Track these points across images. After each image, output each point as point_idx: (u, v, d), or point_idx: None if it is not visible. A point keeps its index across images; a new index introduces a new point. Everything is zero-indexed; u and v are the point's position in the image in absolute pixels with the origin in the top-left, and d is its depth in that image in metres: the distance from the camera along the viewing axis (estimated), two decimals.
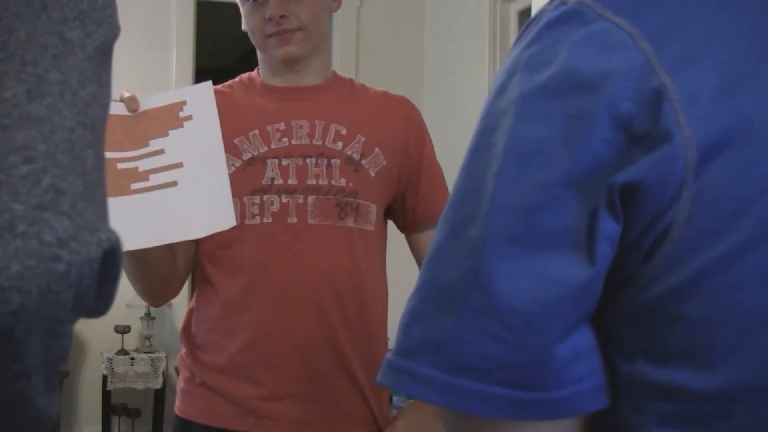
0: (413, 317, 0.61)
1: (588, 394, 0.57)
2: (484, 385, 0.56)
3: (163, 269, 1.49)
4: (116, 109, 1.38)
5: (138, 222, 1.30)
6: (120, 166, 1.33)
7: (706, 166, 0.54)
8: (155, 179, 1.33)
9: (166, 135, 1.36)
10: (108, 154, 1.31)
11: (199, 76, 4.05)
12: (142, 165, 1.33)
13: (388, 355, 0.62)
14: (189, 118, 1.38)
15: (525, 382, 0.56)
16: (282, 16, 1.50)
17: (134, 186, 1.31)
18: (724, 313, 0.54)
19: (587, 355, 0.58)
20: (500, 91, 0.61)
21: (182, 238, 1.40)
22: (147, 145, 1.35)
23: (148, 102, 1.39)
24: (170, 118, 1.38)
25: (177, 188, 1.33)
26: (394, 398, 3.19)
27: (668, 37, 0.57)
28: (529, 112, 0.58)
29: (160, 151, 1.35)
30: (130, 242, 1.30)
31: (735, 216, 0.54)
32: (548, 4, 0.62)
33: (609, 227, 0.56)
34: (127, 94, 1.39)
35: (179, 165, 1.34)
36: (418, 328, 0.60)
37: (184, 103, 1.39)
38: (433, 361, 0.58)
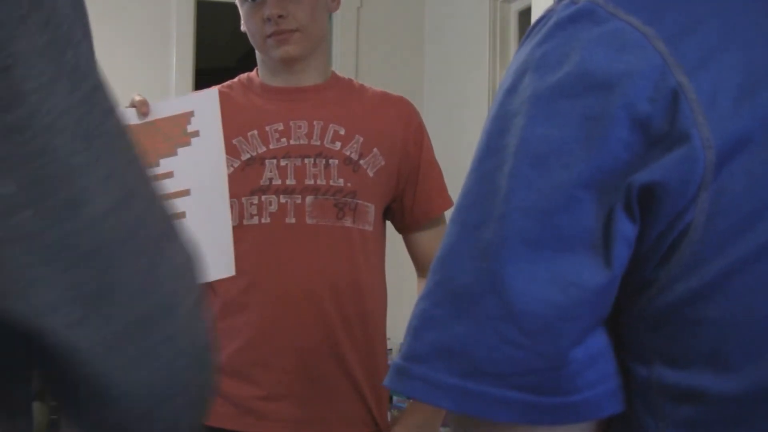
0: (424, 321, 0.59)
1: (603, 398, 0.57)
2: (500, 390, 0.55)
3: None
4: (127, 117, 1.39)
5: None
6: None
7: (725, 167, 0.53)
8: None
9: (175, 154, 1.37)
10: None
11: (199, 76, 4.06)
12: None
13: (396, 359, 0.60)
14: (196, 134, 1.38)
15: (542, 387, 0.55)
16: (280, 16, 1.50)
17: None
18: (747, 316, 0.53)
19: (602, 359, 0.57)
20: (510, 91, 0.60)
21: None
22: (158, 164, 1.37)
23: (158, 109, 1.40)
24: (179, 132, 1.38)
25: (184, 222, 1.33)
26: (394, 398, 3.18)
27: (685, 36, 0.55)
28: (543, 113, 0.57)
29: (170, 174, 1.36)
30: None
31: (755, 216, 0.53)
32: (557, 2, 0.60)
33: (626, 229, 0.55)
34: (138, 98, 1.39)
35: (186, 192, 1.36)
36: (431, 333, 0.58)
37: (191, 114, 1.39)
38: (448, 367, 0.57)
